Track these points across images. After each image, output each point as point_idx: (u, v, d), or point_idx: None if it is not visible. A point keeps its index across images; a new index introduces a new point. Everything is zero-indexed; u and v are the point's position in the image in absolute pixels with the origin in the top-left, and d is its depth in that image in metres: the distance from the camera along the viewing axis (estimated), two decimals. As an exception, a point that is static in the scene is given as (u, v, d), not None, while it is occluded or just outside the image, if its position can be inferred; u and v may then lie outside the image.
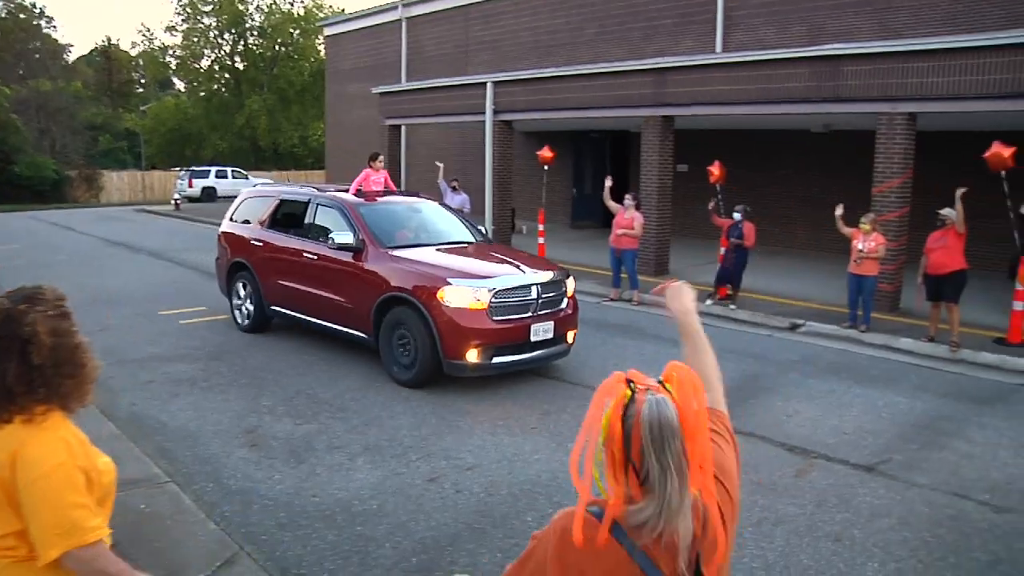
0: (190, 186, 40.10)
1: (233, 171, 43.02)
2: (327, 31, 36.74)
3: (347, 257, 9.27)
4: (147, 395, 8.09)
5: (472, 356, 8.12)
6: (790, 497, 5.97)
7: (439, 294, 8.19)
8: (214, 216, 29.70)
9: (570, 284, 9.30)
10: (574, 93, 17.44)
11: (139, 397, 8.01)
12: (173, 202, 35.78)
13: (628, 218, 13.34)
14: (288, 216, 10.84)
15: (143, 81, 67.99)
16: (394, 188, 11.32)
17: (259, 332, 10.77)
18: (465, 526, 5.28)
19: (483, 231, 10.92)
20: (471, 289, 8.24)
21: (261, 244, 10.71)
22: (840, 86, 13.13)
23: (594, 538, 1.75)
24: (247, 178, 42.90)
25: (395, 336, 8.62)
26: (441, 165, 18.45)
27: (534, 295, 8.61)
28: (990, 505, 5.99)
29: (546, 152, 16.26)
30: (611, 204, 13.83)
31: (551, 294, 8.87)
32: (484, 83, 19.61)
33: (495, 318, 8.27)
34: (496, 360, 8.30)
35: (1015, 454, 7.12)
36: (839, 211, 11.86)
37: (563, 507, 1.96)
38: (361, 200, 10.14)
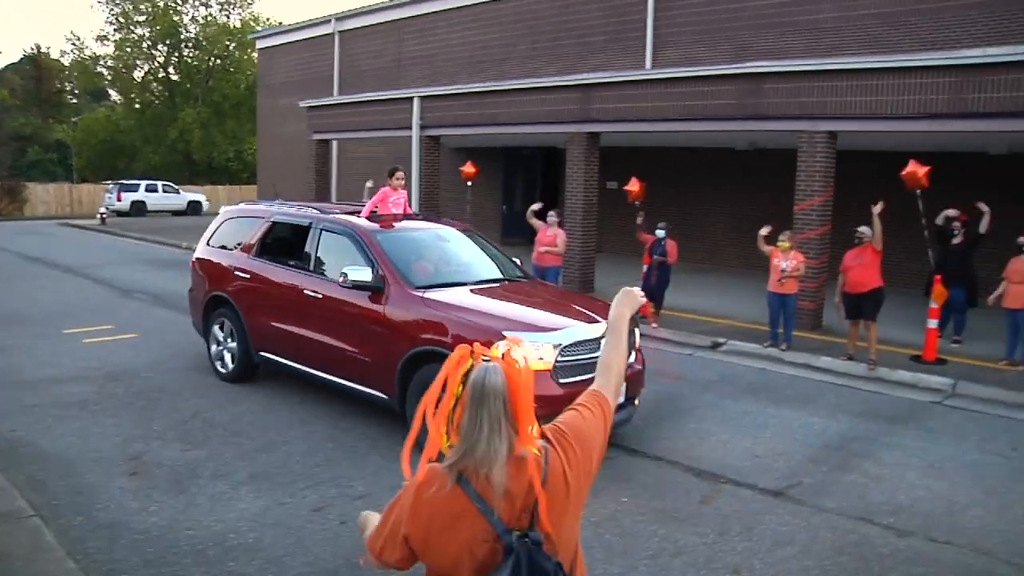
0: (119, 200, 39.20)
1: (164, 185, 42.13)
2: (260, 44, 36.16)
3: (363, 299, 7.52)
4: (30, 420, 7.63)
5: (533, 430, 6.69)
6: (692, 526, 5.77)
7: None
8: (142, 231, 29.09)
9: (637, 334, 7.70)
10: (500, 109, 17.29)
11: (21, 422, 7.55)
12: (99, 216, 34.83)
13: (551, 235, 13.15)
14: (282, 242, 9.09)
15: (75, 91, 66.34)
16: (411, 211, 9.27)
17: (244, 382, 9.02)
18: (344, 561, 4.98)
19: (518, 263, 9.19)
20: (533, 344, 6.39)
21: (247, 276, 8.91)
22: (762, 104, 13.15)
23: (441, 484, 2.04)
24: (178, 192, 42.26)
25: None
26: (369, 184, 17.96)
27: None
28: (894, 529, 5.87)
29: (469, 168, 16.06)
30: (534, 221, 13.65)
31: None
32: (411, 98, 19.39)
33: (561, 381, 6.54)
34: None
35: (922, 475, 7.04)
36: (764, 231, 11.78)
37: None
38: (376, 226, 8.27)
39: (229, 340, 9.12)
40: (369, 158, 27.58)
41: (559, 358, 6.59)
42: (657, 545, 5.43)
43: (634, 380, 7.29)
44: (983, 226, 11.84)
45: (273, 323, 8.50)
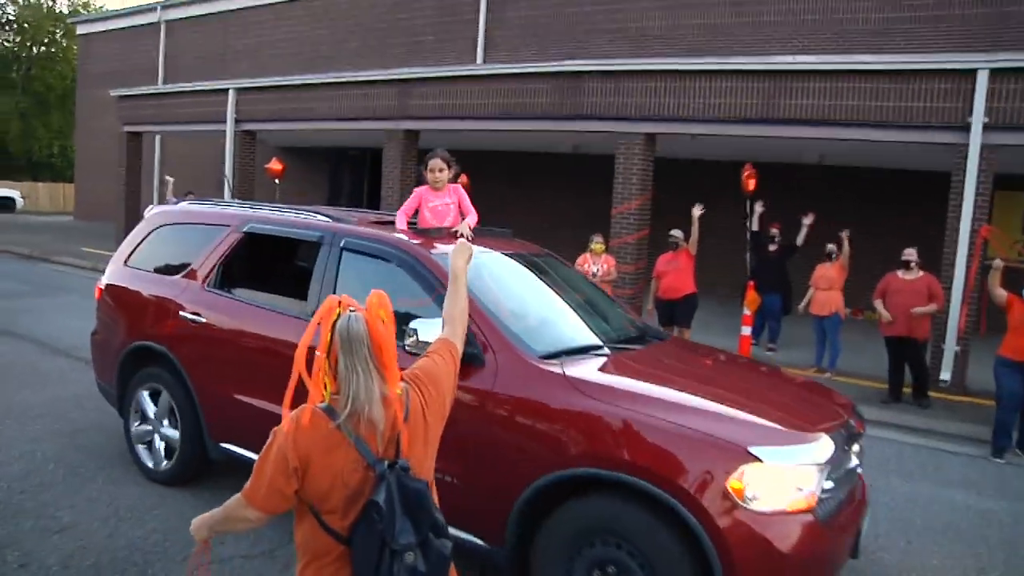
0: (-89, 195, 35.81)
1: (-31, 180, 38.77)
2: (79, 29, 33.86)
3: None
4: None
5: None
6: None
7: (732, 483, 3.61)
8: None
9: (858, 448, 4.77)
10: (318, 103, 16.41)
11: None
12: None
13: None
14: (262, 268, 6.26)
15: None
16: (472, 211, 5.67)
17: (188, 484, 5.83)
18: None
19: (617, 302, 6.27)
20: (792, 468, 3.76)
21: (200, 320, 5.56)
22: (582, 103, 12.81)
23: (319, 424, 2.31)
24: (-12, 188, 39.00)
25: (585, 562, 3.90)
26: (171, 180, 16.42)
27: (854, 459, 4.43)
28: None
29: (275, 165, 15.07)
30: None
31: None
32: (227, 90, 18.24)
33: (823, 519, 3.83)
34: None
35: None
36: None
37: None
38: (448, 249, 4.30)
39: (165, 420, 5.86)
40: (195, 155, 26.07)
41: (823, 485, 3.87)
42: None
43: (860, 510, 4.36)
44: (800, 238, 11.81)
45: (251, 401, 5.21)
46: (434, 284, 4.61)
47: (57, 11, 51.05)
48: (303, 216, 5.61)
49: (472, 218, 5.58)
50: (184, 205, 6.66)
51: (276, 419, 4.89)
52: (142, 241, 6.50)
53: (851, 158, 15.01)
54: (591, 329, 5.08)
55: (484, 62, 19.34)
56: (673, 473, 3.68)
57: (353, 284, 4.96)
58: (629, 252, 12.37)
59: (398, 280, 4.78)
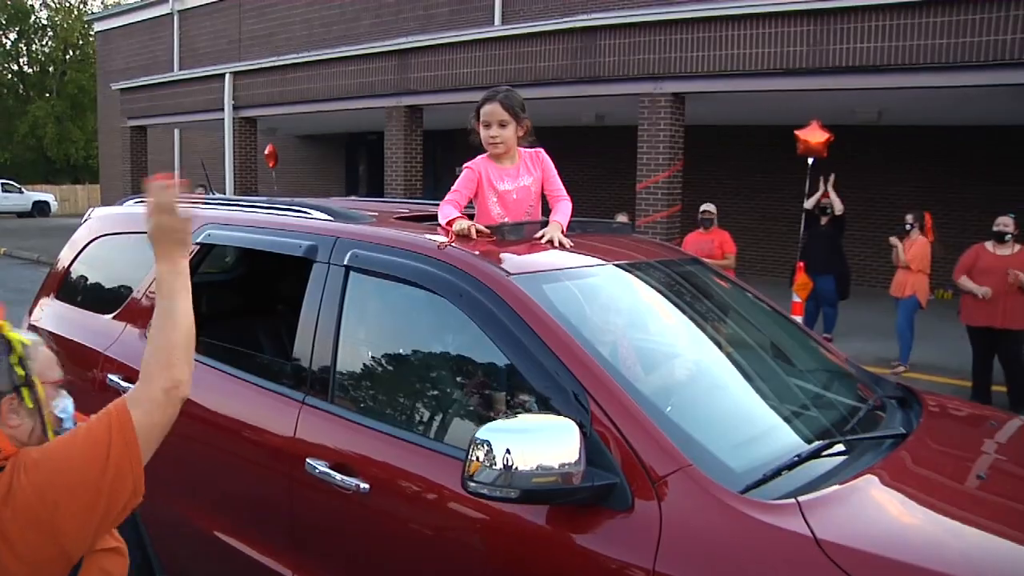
0: (-53, 201, 35.50)
1: (4, 184, 38.28)
2: (97, 26, 33.07)
3: (551, 526, 2.14)
4: None
5: None
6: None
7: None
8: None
9: None
10: (316, 83, 15.08)
11: None
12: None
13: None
14: (235, 301, 4.44)
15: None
16: (565, 196, 3.41)
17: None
18: None
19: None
20: None
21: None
22: (598, 63, 11.28)
23: None
24: (21, 192, 38.87)
25: None
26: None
27: None
28: None
29: (268, 151, 13.77)
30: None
31: None
32: (223, 74, 17.02)
33: None
34: None
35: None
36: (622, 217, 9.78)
37: None
38: (527, 262, 2.82)
39: None
40: (214, 150, 25.00)
41: None
42: None
43: None
44: (837, 205, 9.91)
45: (219, 533, 3.11)
46: (517, 335, 2.43)
47: (88, 13, 50.66)
48: (290, 214, 3.39)
49: (564, 211, 3.26)
50: (129, 205, 4.35)
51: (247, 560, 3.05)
52: (76, 258, 4.27)
53: (916, 114, 13.10)
54: (806, 404, 2.79)
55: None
56: None
57: (371, 327, 3.02)
58: (658, 231, 10.77)
59: (451, 324, 2.78)
